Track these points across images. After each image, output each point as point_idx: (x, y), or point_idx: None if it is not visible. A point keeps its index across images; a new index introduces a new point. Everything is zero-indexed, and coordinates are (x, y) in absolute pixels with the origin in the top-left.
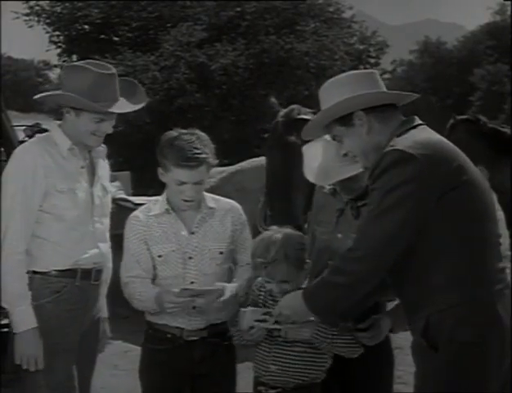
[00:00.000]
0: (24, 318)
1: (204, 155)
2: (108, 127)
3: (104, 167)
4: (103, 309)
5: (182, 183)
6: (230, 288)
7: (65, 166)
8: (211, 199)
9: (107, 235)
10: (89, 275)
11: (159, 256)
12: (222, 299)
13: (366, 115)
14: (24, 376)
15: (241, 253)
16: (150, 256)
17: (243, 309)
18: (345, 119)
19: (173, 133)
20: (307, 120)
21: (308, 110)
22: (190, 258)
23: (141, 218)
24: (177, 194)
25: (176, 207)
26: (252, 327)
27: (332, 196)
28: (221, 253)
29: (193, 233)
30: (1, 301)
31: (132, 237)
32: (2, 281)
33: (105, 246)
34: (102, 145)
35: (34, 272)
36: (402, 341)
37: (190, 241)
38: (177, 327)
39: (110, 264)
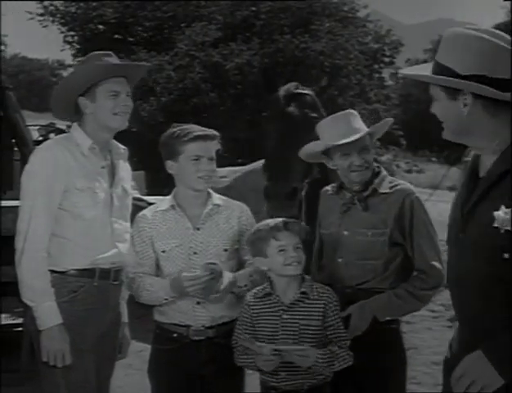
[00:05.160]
0: (49, 315)
1: (212, 131)
2: (126, 100)
3: (125, 169)
4: (123, 313)
5: (197, 159)
6: (227, 275)
7: (85, 165)
8: (218, 198)
9: (126, 236)
10: (108, 275)
11: (163, 252)
12: (221, 287)
13: (474, 100)
14: (43, 375)
15: (249, 253)
16: (154, 254)
17: (259, 344)
18: (450, 90)
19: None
20: (306, 94)
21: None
22: (195, 253)
23: (147, 215)
24: (193, 174)
25: (182, 203)
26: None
27: (336, 194)
28: (225, 250)
29: (198, 229)
30: (25, 299)
31: (136, 235)
32: (26, 278)
33: (124, 247)
34: (123, 147)
35: (53, 271)
36: (417, 341)
37: (196, 237)
38: (183, 326)
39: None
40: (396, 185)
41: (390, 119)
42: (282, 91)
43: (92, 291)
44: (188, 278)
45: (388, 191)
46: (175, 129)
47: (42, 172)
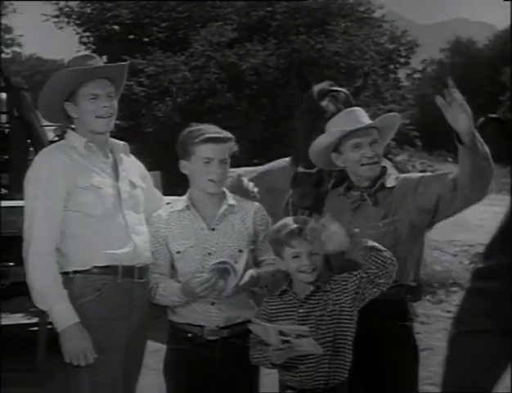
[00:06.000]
0: (63, 316)
1: (226, 134)
2: (106, 102)
3: (130, 163)
4: None
5: (208, 162)
6: (250, 272)
7: (83, 163)
8: (233, 198)
9: (140, 228)
10: (132, 272)
11: (178, 252)
12: (241, 283)
13: None
14: (69, 374)
15: (266, 253)
16: (168, 254)
17: (263, 323)
18: None
19: (192, 125)
20: (340, 91)
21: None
22: (210, 254)
23: (162, 216)
24: (204, 176)
25: (196, 203)
26: (286, 341)
27: (344, 195)
28: (240, 251)
29: (213, 230)
30: (37, 304)
31: (151, 235)
32: (35, 283)
33: (139, 239)
34: (123, 142)
35: (75, 271)
36: (433, 342)
37: (210, 237)
38: (198, 326)
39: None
40: (398, 178)
41: (394, 114)
42: (316, 88)
43: (117, 288)
44: (198, 284)
45: (393, 184)
46: (191, 128)
47: (39, 177)
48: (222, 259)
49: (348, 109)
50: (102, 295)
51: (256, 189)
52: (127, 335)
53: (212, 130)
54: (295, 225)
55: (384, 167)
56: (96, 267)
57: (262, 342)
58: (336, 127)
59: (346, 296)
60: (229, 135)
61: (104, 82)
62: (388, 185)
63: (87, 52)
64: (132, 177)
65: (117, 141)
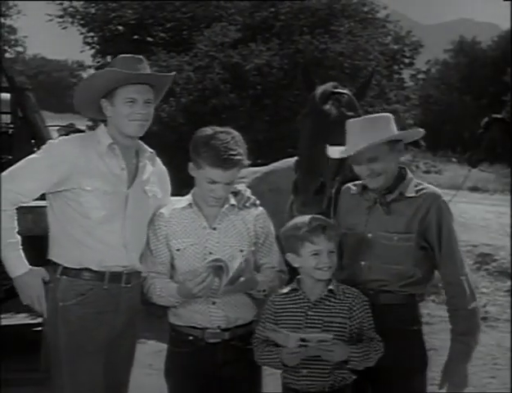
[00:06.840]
0: (16, 264)
1: (238, 157)
2: (142, 108)
3: (152, 171)
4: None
5: (214, 182)
6: (259, 275)
7: (97, 166)
8: (235, 198)
9: (137, 238)
10: (119, 278)
11: (178, 250)
12: (241, 279)
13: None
14: (52, 375)
15: (266, 257)
16: (168, 252)
17: (286, 332)
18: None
19: (208, 130)
20: (343, 93)
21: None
22: (211, 253)
23: (164, 214)
24: (207, 191)
25: (199, 202)
26: (303, 346)
27: (359, 195)
28: (241, 251)
29: (215, 229)
30: None
31: (152, 233)
32: None
33: (135, 250)
34: (150, 150)
35: (63, 272)
36: (437, 343)
37: (212, 236)
38: (199, 329)
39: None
40: (422, 189)
41: (420, 130)
42: (319, 90)
43: (102, 294)
44: (194, 284)
45: (414, 195)
46: (205, 139)
47: (51, 147)
48: (216, 257)
49: (375, 116)
50: (85, 300)
51: (257, 201)
52: (110, 338)
53: (225, 153)
54: (318, 222)
55: (404, 173)
56: (85, 269)
57: (267, 343)
58: (347, 137)
59: (357, 309)
60: (241, 161)
61: (144, 87)
62: (408, 194)
63: (136, 56)
64: (148, 186)
65: (145, 147)
